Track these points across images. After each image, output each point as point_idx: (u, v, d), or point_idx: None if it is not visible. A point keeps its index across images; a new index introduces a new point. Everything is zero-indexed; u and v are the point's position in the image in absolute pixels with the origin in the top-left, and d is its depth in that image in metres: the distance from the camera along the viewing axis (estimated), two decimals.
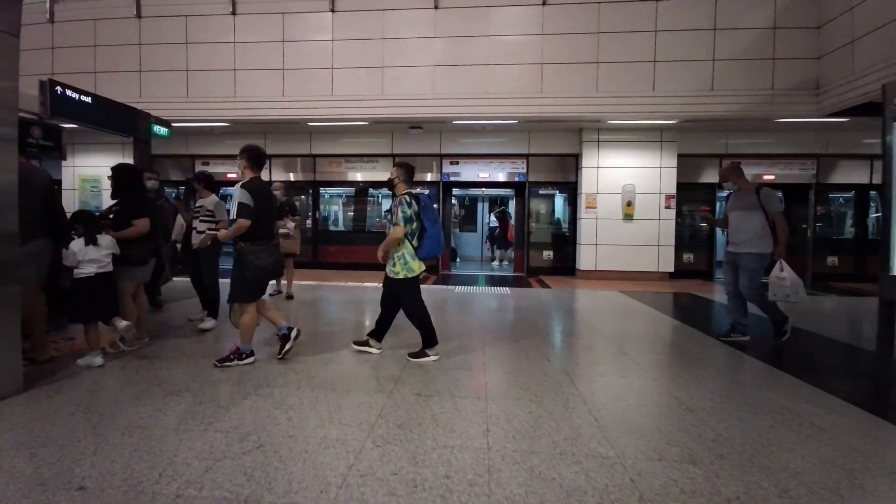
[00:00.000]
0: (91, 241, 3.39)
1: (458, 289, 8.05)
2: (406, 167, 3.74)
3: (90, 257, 3.38)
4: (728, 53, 8.49)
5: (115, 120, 5.64)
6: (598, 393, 3.03)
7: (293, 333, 3.63)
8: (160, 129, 7.25)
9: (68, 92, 5.15)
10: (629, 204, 9.64)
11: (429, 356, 3.68)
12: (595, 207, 9.76)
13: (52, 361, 3.48)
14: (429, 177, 10.68)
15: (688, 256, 10.34)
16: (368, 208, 11.41)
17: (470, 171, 10.59)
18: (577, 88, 8.73)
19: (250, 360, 3.53)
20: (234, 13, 9.52)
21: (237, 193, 3.34)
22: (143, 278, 4.07)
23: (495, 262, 12.42)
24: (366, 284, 8.07)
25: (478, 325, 5.17)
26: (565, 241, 10.66)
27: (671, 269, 9.75)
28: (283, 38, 9.40)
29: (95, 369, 3.33)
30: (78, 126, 5.64)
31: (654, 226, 9.69)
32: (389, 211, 4.18)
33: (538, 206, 10.85)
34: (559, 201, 11.27)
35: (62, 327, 4.33)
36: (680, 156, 9.71)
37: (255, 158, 3.52)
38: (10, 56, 2.81)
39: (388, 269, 3.68)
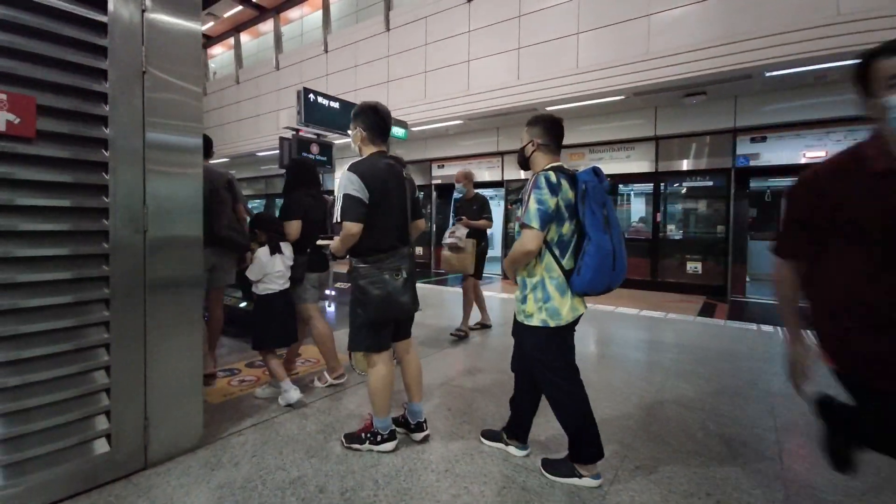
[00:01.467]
0: (276, 249, 2.75)
1: (749, 329, 4.97)
2: (546, 123, 2.02)
3: (278, 269, 2.76)
4: None
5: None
6: None
7: (420, 433, 2.31)
8: (397, 130, 6.97)
9: (319, 99, 5.66)
10: None
11: (580, 476, 1.94)
12: None
13: (214, 379, 3.10)
14: (704, 163, 7.56)
15: None
16: (619, 209, 9.02)
17: (783, 151, 6.97)
18: None
19: (389, 445, 2.20)
20: (468, 0, 8.71)
21: (341, 180, 2.03)
22: (318, 295, 3.17)
23: None
24: (602, 308, 5.86)
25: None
26: None
27: None
28: (519, 13, 8.03)
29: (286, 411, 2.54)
30: (328, 132, 5.71)
31: None
32: (519, 201, 2.14)
33: None
34: None
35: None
36: None
37: (375, 123, 2.17)
38: (194, 59, 2.07)
39: (516, 307, 2.06)
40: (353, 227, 1.98)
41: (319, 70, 11.61)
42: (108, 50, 1.83)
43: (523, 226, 1.85)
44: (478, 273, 4.40)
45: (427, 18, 9.48)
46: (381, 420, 2.19)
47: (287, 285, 2.81)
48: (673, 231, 8.12)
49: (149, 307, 1.97)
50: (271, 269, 2.73)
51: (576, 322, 1.95)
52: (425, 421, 2.31)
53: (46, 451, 1.73)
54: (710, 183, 7.72)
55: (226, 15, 14.81)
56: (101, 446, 1.88)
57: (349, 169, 2.02)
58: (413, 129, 8.83)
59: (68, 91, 1.77)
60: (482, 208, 4.28)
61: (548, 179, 1.82)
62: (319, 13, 12.28)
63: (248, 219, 3.17)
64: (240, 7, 14.17)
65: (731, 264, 7.41)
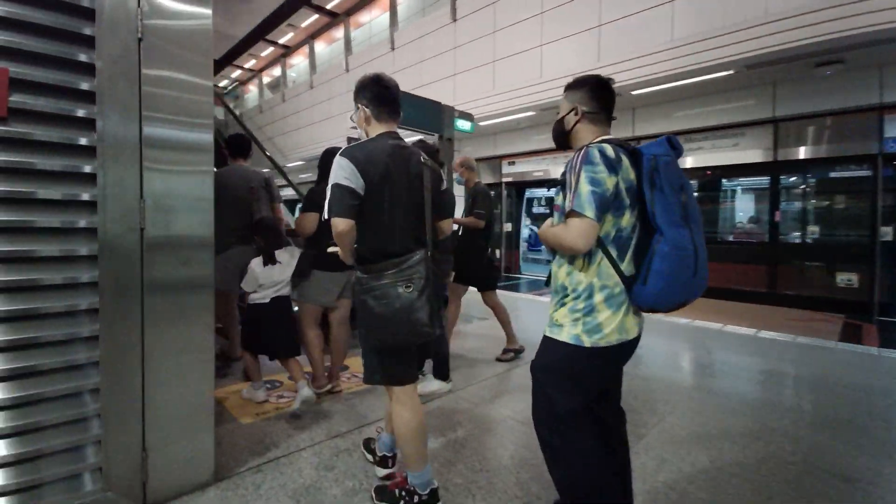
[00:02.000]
0: (270, 259, 2.61)
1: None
2: (593, 85, 1.49)
3: (275, 279, 2.62)
4: None
5: (424, 117, 5.06)
6: None
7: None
8: (462, 124, 6.41)
9: None
10: None
11: None
12: None
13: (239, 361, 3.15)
14: (840, 149, 6.05)
15: None
16: (722, 207, 7.67)
17: None
18: None
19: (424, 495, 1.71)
20: None
21: (332, 167, 1.63)
22: (330, 300, 2.80)
23: None
24: (707, 325, 4.75)
25: None
26: None
27: None
28: None
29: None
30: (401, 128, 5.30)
31: None
32: (562, 185, 1.42)
33: None
34: None
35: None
36: None
37: (380, 95, 1.73)
38: (205, 52, 1.78)
39: (550, 314, 1.50)
40: (339, 224, 1.57)
41: (386, 68, 11.29)
42: (96, 12, 1.53)
43: (571, 214, 1.32)
44: (481, 283, 3.61)
45: (495, 4, 8.81)
46: (417, 474, 1.70)
47: (281, 292, 2.64)
48: (798, 233, 6.67)
49: (147, 317, 1.66)
50: (265, 279, 2.59)
51: (624, 352, 1.43)
52: (433, 485, 1.73)
53: (20, 484, 1.47)
54: (849, 173, 6.20)
55: (303, 25, 15.29)
56: (91, 482, 1.61)
57: (340, 153, 1.61)
58: (481, 122, 8.20)
59: (47, 62, 1.49)
60: (474, 202, 3.49)
61: (603, 153, 1.33)
62: (388, 14, 12.12)
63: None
64: (315, 16, 14.53)
65: (880, 275, 5.86)
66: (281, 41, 16.50)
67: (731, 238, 7.41)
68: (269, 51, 17.41)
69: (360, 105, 1.73)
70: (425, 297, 1.60)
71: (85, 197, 1.57)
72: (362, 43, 13.62)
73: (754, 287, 6.83)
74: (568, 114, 1.51)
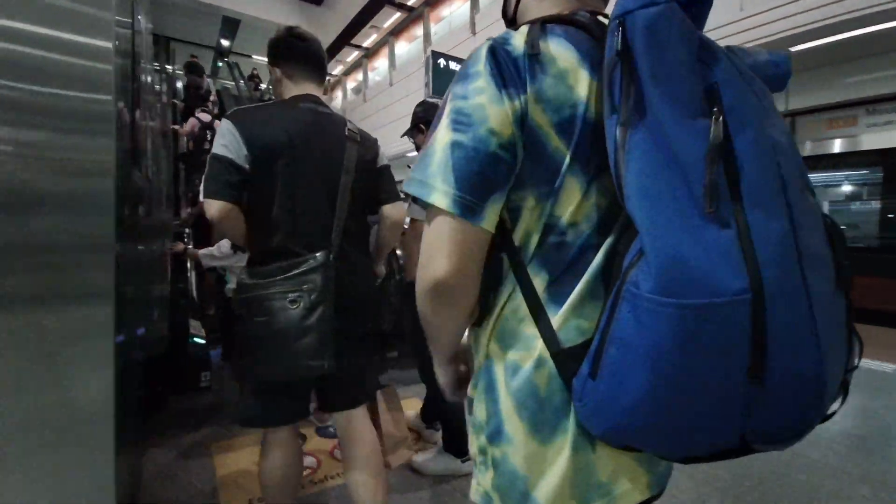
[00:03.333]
0: None
1: None
2: None
3: None
4: None
5: None
6: None
7: None
8: None
9: (450, 64, 5.43)
10: None
11: None
12: None
13: None
14: None
15: None
16: None
17: None
18: None
19: None
20: None
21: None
22: None
23: None
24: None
25: None
26: None
27: None
28: None
29: None
30: None
31: None
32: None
33: None
34: None
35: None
36: None
37: (293, 49, 1.37)
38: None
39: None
40: (210, 208, 1.20)
41: (465, 54, 10.68)
42: None
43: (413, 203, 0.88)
44: None
45: None
46: None
47: None
48: None
49: None
50: None
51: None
52: None
53: None
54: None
55: (385, 25, 15.13)
56: None
57: (226, 115, 1.26)
58: None
59: None
60: None
61: (498, 48, 0.55)
62: (467, 6, 11.36)
63: None
64: (398, 14, 14.27)
65: None
66: (364, 44, 16.54)
67: None
68: (353, 55, 17.59)
69: (270, 67, 1.40)
70: (316, 317, 1.19)
71: None
72: (443, 37, 13.05)
73: None
74: None
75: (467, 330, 0.67)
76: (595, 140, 0.54)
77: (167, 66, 7.95)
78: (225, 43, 16.24)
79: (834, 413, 0.50)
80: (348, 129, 1.35)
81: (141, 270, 1.67)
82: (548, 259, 0.57)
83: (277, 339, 1.18)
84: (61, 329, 0.96)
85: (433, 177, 0.53)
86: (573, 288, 0.55)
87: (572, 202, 0.55)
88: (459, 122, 0.54)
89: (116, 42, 1.06)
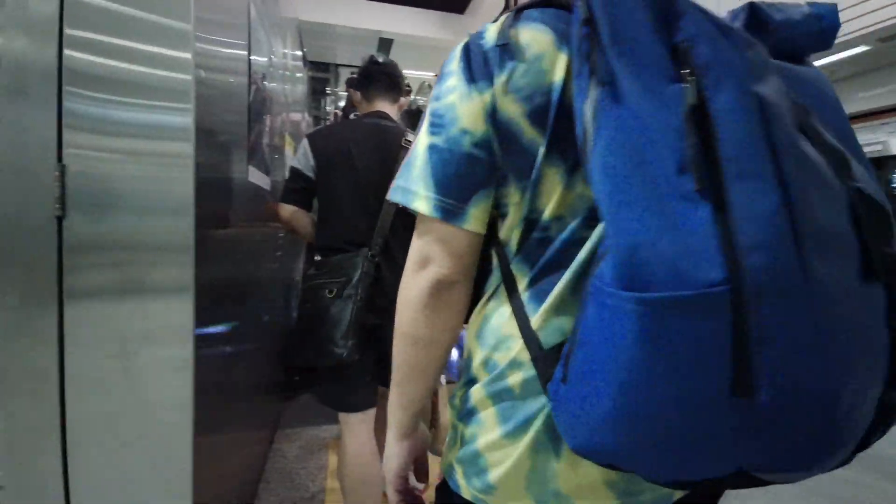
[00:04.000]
0: None
1: None
2: None
3: None
4: None
5: None
6: None
7: None
8: None
9: None
10: None
11: None
12: None
13: None
14: None
15: None
16: None
17: None
18: None
19: None
20: None
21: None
22: None
23: None
24: None
25: None
26: None
27: None
28: None
29: None
30: None
31: None
32: None
33: None
34: None
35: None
36: None
37: (367, 72, 1.58)
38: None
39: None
40: (281, 211, 1.48)
41: None
42: None
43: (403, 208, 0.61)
44: None
45: None
46: None
47: None
48: None
49: (69, 355, 0.98)
50: None
51: None
52: None
53: None
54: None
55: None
56: None
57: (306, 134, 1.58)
58: None
59: None
60: None
61: (466, 49, 0.56)
62: None
63: None
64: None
65: None
66: None
67: None
68: None
69: (351, 91, 1.63)
70: (345, 307, 1.27)
71: None
72: None
73: None
74: None
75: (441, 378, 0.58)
76: (573, 127, 0.49)
77: (336, 89, 9.14)
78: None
79: (875, 439, 0.42)
80: (405, 140, 1.48)
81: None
82: (529, 255, 0.55)
83: (312, 324, 1.32)
84: (141, 329, 1.03)
85: (415, 182, 0.55)
86: (554, 285, 0.52)
87: (553, 194, 0.53)
88: (434, 125, 0.55)
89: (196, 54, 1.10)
